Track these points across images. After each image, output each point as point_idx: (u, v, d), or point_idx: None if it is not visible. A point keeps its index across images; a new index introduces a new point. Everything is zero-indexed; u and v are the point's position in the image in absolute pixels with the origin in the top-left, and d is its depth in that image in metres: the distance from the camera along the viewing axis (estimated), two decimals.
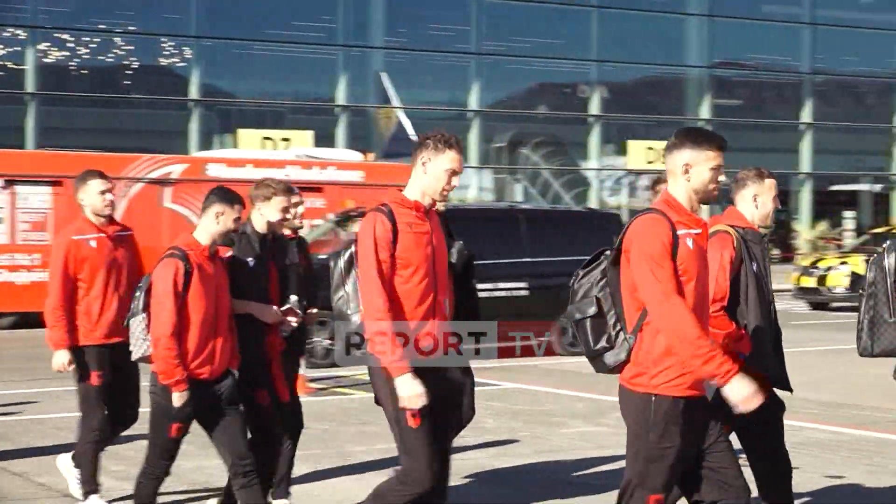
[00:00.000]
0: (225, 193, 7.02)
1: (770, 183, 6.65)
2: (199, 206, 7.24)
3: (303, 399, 8.43)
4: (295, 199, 7.84)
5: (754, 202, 6.64)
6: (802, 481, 9.26)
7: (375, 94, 42.08)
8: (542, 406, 12.83)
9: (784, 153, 47.90)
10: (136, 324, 6.98)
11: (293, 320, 7.56)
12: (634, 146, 43.98)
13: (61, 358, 8.05)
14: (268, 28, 40.17)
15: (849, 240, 36.71)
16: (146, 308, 6.90)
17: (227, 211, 6.92)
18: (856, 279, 26.81)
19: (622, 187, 46.24)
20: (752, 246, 6.46)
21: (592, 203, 42.75)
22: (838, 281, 27.26)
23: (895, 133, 49.67)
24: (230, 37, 39.67)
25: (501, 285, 17.19)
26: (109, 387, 8.18)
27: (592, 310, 5.47)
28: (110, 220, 8.27)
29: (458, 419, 7.06)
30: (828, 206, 46.62)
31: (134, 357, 7.08)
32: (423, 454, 5.96)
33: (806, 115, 48.11)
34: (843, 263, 27.52)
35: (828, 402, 13.11)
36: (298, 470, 8.59)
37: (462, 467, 9.61)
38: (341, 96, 41.52)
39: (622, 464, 9.82)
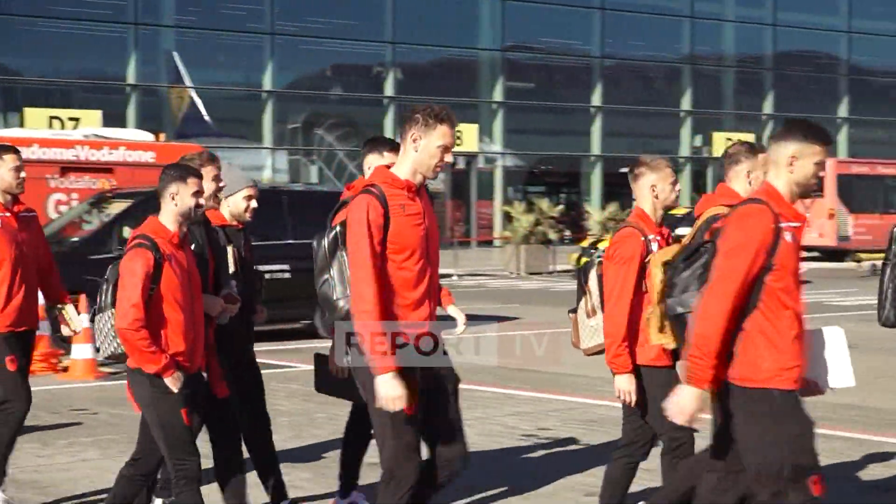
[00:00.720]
0: (175, 170, 6.42)
1: (763, 158, 6.45)
2: None
3: (94, 384, 8.23)
4: (248, 191, 7.28)
5: (748, 178, 6.54)
6: (601, 458, 9.55)
7: (167, 74, 41.48)
8: None
9: (575, 136, 48.87)
10: (104, 320, 6.37)
11: (233, 307, 6.96)
12: None
13: None
14: (55, 4, 39.19)
15: None
16: (115, 302, 6.30)
17: (181, 188, 6.32)
18: None
19: None
20: None
21: None
22: None
23: (682, 116, 51.07)
24: (15, 13, 38.56)
25: (263, 267, 16.74)
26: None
27: (696, 303, 5.30)
28: (15, 199, 7.67)
29: (450, 387, 6.37)
30: (618, 188, 47.63)
31: (102, 356, 6.49)
32: (416, 440, 5.81)
33: (596, 98, 49.09)
34: None
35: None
36: (87, 455, 8.41)
37: None
38: (131, 75, 40.79)
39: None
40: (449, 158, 5.86)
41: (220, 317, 6.89)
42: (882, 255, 6.85)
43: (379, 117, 45.43)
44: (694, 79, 51.36)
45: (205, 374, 6.54)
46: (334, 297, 6.05)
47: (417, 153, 5.82)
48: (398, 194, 5.78)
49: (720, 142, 50.48)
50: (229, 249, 7.12)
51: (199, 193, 6.36)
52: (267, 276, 16.53)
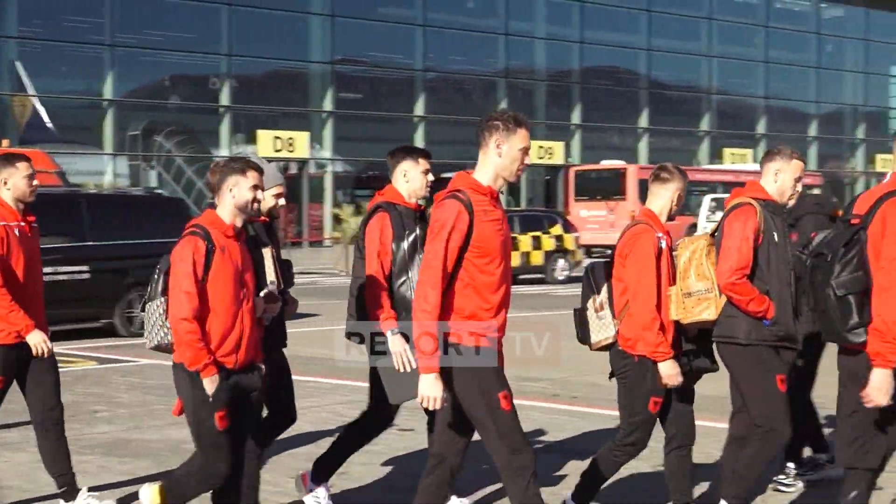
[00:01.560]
0: (236, 163, 5.93)
1: (796, 164, 6.54)
2: None
3: None
4: (277, 189, 6.85)
5: (775, 177, 6.53)
6: (423, 440, 9.50)
7: (10, 83, 40.45)
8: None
9: (399, 143, 48.69)
10: (153, 309, 5.90)
11: (275, 306, 6.46)
12: (263, 135, 43.95)
13: (37, 338, 6.89)
14: None
15: None
16: (166, 291, 5.84)
17: (240, 181, 5.84)
18: None
19: None
20: (773, 217, 6.40)
21: None
22: None
23: None
24: None
25: (62, 269, 16.27)
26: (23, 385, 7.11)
27: (860, 286, 5.25)
28: (27, 208, 7.13)
29: None
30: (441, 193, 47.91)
31: (149, 346, 6.01)
32: (520, 431, 5.55)
33: (419, 108, 49.31)
34: None
35: None
36: None
37: (99, 440, 9.35)
38: None
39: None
40: (528, 161, 5.69)
41: (262, 317, 6.41)
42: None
43: (215, 125, 44.92)
44: (508, 91, 51.89)
45: (258, 372, 6.05)
46: (413, 298, 5.80)
47: (501, 158, 5.59)
48: (482, 200, 5.55)
49: (534, 149, 51.14)
50: (266, 250, 6.68)
51: (257, 188, 5.90)
52: (66, 277, 16.09)
